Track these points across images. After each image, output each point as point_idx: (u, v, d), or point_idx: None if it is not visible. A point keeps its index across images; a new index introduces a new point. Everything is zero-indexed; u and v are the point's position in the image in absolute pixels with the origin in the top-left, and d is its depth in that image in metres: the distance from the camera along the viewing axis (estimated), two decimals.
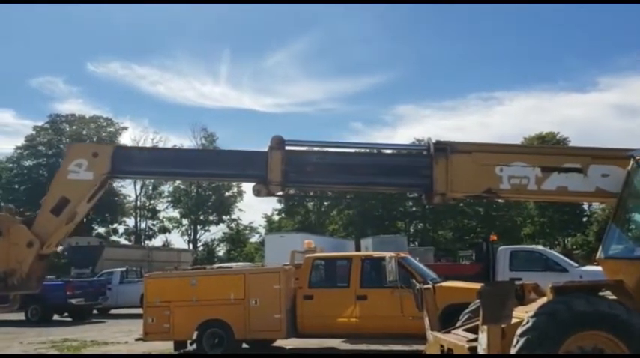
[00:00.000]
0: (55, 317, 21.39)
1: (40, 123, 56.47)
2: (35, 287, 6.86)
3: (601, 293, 5.76)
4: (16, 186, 54.14)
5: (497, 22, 76.83)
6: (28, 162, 55.30)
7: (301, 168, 6.74)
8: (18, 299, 7.06)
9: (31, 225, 6.62)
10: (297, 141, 6.98)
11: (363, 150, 8.76)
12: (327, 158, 7.05)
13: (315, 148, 7.64)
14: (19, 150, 54.99)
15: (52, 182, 6.87)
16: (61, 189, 6.71)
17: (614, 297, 5.68)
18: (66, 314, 22.15)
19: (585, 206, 51.73)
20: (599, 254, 6.42)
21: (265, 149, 6.68)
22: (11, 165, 55.35)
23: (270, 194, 6.69)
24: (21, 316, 20.39)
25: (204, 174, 7.79)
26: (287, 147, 6.71)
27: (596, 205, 47.40)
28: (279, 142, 6.66)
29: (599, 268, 6.88)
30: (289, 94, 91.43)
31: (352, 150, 7.81)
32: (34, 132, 55.58)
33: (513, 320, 5.41)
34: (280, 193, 6.88)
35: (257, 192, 6.70)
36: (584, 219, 54.40)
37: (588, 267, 16.02)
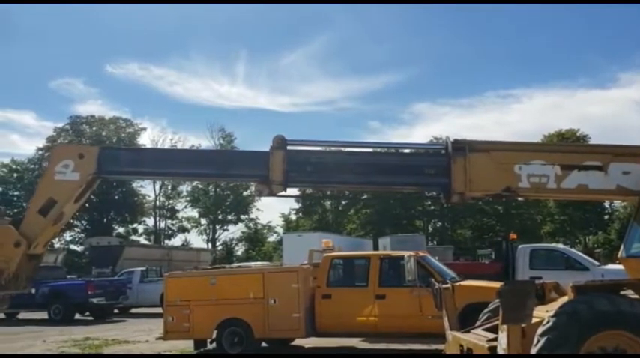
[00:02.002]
0: (77, 316, 21.64)
1: (60, 125, 57.24)
2: (25, 287, 6.95)
3: (623, 293, 5.68)
4: None
5: (513, 19, 76.14)
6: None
7: (302, 167, 6.74)
8: (7, 300, 7.13)
9: (19, 225, 6.70)
10: (300, 141, 7.00)
11: (379, 149, 8.68)
12: (329, 158, 7.05)
13: (317, 148, 7.60)
14: (40, 152, 55.73)
15: (39, 183, 7.04)
16: (48, 189, 6.79)
17: (636, 296, 5.61)
18: (87, 313, 22.42)
19: (607, 204, 51.09)
20: (621, 252, 6.35)
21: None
22: (33, 166, 56.10)
23: (272, 194, 6.71)
24: (44, 315, 20.72)
25: (201, 175, 7.81)
26: (289, 147, 6.74)
27: (617, 203, 46.87)
28: (280, 142, 6.68)
29: (620, 267, 6.81)
30: (306, 94, 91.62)
31: (359, 149, 7.71)
32: (54, 133, 56.28)
33: (534, 320, 5.37)
34: (283, 193, 6.88)
35: (259, 192, 6.77)
36: (606, 217, 53.77)
37: (610, 266, 15.81)
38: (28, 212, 6.84)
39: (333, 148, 7.98)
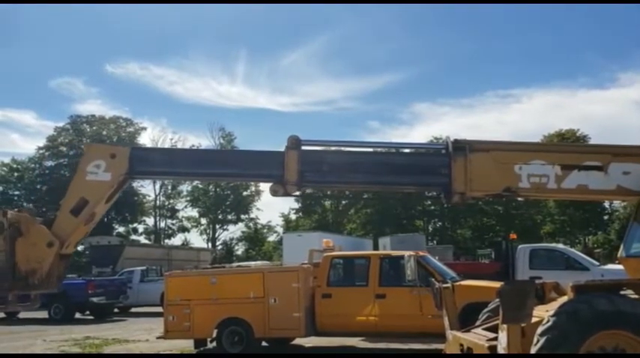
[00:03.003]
0: (77, 315, 21.67)
1: (60, 124, 57.27)
2: (55, 287, 6.97)
3: (623, 293, 5.70)
4: (38, 186, 54.96)
5: (513, 19, 76.18)
6: (49, 163, 56.08)
7: (317, 167, 6.77)
8: (38, 299, 7.19)
9: (51, 225, 6.73)
10: (314, 141, 7.02)
11: (380, 149, 8.71)
12: (343, 157, 7.09)
13: (332, 148, 7.66)
14: (40, 151, 55.78)
15: (71, 183, 6.97)
16: (80, 189, 6.82)
17: (636, 296, 5.62)
18: (87, 312, 22.45)
19: (607, 204, 51.08)
20: (621, 252, 6.37)
21: (282, 148, 6.72)
22: (33, 165, 56.17)
23: (286, 194, 6.75)
24: (44, 314, 20.74)
25: (222, 175, 7.85)
26: (303, 147, 6.75)
27: (617, 203, 46.86)
28: (295, 142, 6.70)
29: (620, 267, 6.83)
30: (306, 93, 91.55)
31: (370, 149, 7.80)
32: (55, 133, 56.35)
33: (534, 320, 5.38)
34: (297, 193, 6.92)
35: (274, 192, 6.75)
36: (606, 217, 53.74)
37: (610, 266, 15.84)
38: (60, 212, 6.85)
39: (346, 148, 8.01)
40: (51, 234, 6.64)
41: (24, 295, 7.04)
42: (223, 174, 7.79)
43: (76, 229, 6.78)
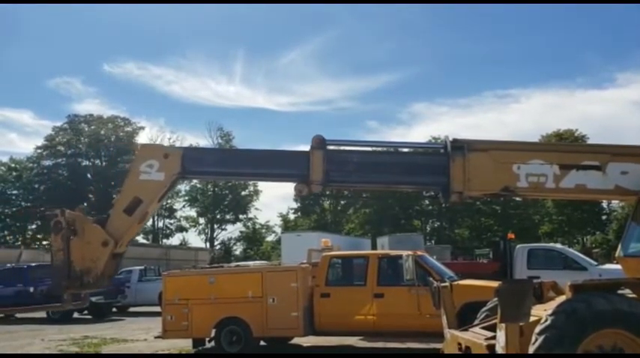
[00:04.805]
0: (75, 314, 21.61)
1: (58, 124, 57.30)
2: (107, 285, 7.06)
3: (620, 292, 5.71)
4: (36, 186, 54.98)
5: (511, 20, 76.28)
6: (47, 162, 56.07)
7: (343, 167, 6.82)
8: (87, 298, 7.23)
9: (104, 224, 6.79)
10: (338, 141, 7.08)
11: (383, 149, 8.77)
12: (369, 157, 7.15)
13: (356, 148, 7.68)
14: (38, 150, 55.77)
15: (125, 182, 7.06)
16: (134, 189, 6.88)
17: (633, 296, 5.64)
18: (86, 312, 22.40)
19: (605, 204, 51.18)
20: (619, 252, 6.37)
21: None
22: (31, 164, 56.13)
23: (311, 193, 6.82)
24: (42, 313, 20.67)
25: (259, 174, 7.80)
26: (328, 147, 6.79)
27: (615, 203, 47.00)
28: (320, 142, 6.74)
29: (618, 266, 6.83)
30: (304, 93, 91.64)
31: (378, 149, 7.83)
32: (52, 132, 56.35)
33: (532, 319, 5.38)
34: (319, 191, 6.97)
35: (299, 191, 6.81)
36: (604, 218, 53.80)
37: (607, 266, 15.85)
38: (114, 211, 6.91)
39: (368, 148, 8.04)
40: (105, 233, 6.70)
41: (75, 294, 7.10)
42: (256, 174, 7.79)
43: (129, 228, 6.86)
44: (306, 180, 6.69)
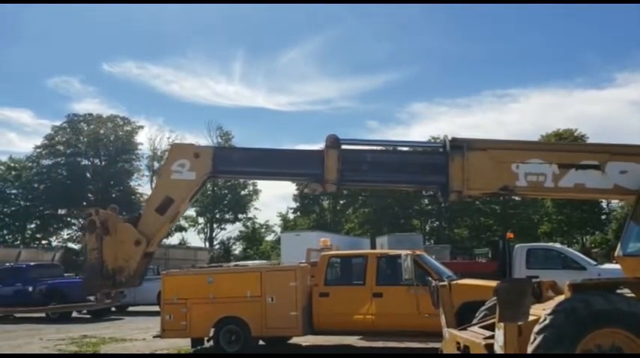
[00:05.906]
0: (74, 314, 21.61)
1: (57, 123, 57.11)
2: (138, 284, 7.11)
3: (619, 291, 5.71)
4: (36, 185, 54.86)
5: (510, 19, 76.21)
6: (46, 162, 55.97)
7: (356, 166, 6.82)
8: (118, 296, 7.27)
9: (136, 223, 6.79)
10: (352, 140, 7.07)
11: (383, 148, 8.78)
12: (383, 157, 7.17)
13: (371, 147, 7.68)
14: (37, 150, 55.68)
15: (157, 182, 7.15)
16: (165, 188, 6.90)
17: (632, 295, 5.63)
18: (84, 311, 22.37)
19: (604, 203, 51.19)
20: (618, 251, 6.37)
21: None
22: (30, 164, 56.05)
23: (324, 192, 6.89)
24: (41, 313, 20.67)
25: (278, 174, 7.78)
26: (342, 146, 6.80)
27: (615, 203, 47.01)
28: (334, 141, 6.75)
29: (617, 266, 6.83)
30: (304, 93, 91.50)
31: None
32: (52, 131, 56.24)
33: (530, 318, 5.38)
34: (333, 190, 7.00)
35: (312, 190, 6.88)
36: (603, 217, 53.82)
37: (607, 265, 15.87)
38: (146, 210, 6.93)
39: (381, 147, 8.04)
40: (137, 232, 6.70)
41: (107, 292, 7.13)
42: (276, 174, 7.80)
43: (161, 227, 6.87)
44: (321, 179, 6.70)
